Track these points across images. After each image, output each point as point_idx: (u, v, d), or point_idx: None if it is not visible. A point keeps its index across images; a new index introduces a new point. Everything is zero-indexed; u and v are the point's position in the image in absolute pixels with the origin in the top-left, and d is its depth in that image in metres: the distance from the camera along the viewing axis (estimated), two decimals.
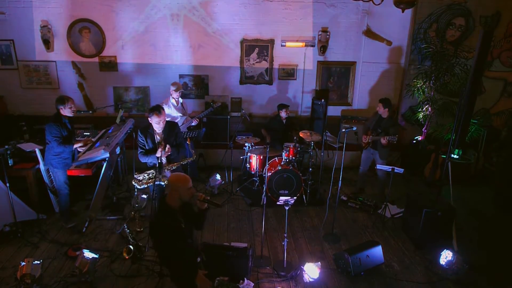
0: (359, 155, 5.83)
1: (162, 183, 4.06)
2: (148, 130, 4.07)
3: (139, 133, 4.08)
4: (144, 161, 4.10)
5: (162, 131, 4.08)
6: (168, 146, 4.00)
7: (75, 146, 4.46)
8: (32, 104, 6.58)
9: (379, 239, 4.52)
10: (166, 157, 4.10)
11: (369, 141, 5.29)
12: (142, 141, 4.07)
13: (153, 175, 4.02)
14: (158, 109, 3.95)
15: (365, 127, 5.59)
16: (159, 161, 4.02)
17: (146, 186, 4.04)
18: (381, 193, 5.57)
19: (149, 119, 3.99)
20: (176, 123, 4.32)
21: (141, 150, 4.09)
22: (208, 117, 6.42)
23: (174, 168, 4.12)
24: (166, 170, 4.07)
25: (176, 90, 5.51)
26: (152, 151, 4.05)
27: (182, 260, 2.86)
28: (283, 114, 6.15)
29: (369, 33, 6.68)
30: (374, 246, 3.96)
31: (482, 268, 4.06)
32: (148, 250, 4.17)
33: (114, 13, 6.32)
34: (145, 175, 4.10)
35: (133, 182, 4.06)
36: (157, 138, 4.07)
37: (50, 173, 4.63)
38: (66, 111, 4.30)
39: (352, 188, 6.02)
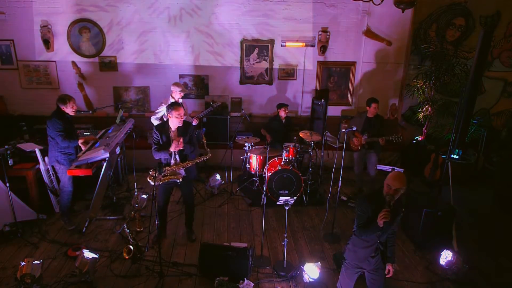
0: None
1: (177, 181, 4.06)
2: (163, 127, 4.08)
3: (154, 129, 4.09)
4: (157, 158, 4.10)
5: (178, 129, 4.08)
6: (180, 139, 4.00)
7: (79, 142, 4.46)
8: (32, 104, 6.58)
9: None
10: (180, 155, 4.10)
11: (363, 143, 5.26)
12: (157, 138, 4.07)
13: (168, 172, 4.02)
14: (177, 103, 4.04)
15: (350, 129, 5.47)
16: (172, 159, 4.05)
17: (160, 183, 4.03)
18: None
19: (168, 115, 4.01)
20: (190, 122, 4.33)
21: (155, 147, 4.09)
22: (208, 117, 6.42)
23: (189, 166, 4.13)
24: (181, 168, 4.08)
25: (182, 91, 5.50)
26: (165, 146, 4.05)
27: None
28: (282, 113, 6.15)
29: (369, 33, 6.68)
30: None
31: (482, 268, 4.06)
32: (148, 250, 4.17)
33: (114, 13, 6.31)
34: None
35: (148, 179, 4.05)
36: (172, 135, 4.08)
37: (56, 170, 4.57)
38: (68, 111, 4.32)
39: (352, 188, 6.02)
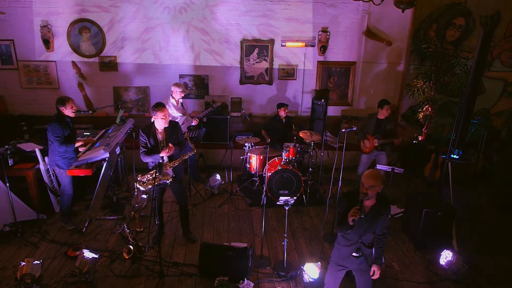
0: (359, 156, 5.81)
1: (167, 181, 4.05)
2: (150, 129, 4.03)
3: (141, 132, 4.03)
4: (146, 161, 4.07)
5: (164, 130, 4.06)
6: (170, 145, 3.99)
7: (76, 145, 4.46)
8: (32, 104, 6.58)
9: None
10: (168, 156, 4.10)
11: (376, 144, 5.23)
12: (144, 140, 4.02)
13: (156, 175, 4.01)
14: (162, 104, 4.00)
15: (361, 131, 5.41)
16: (162, 161, 4.03)
17: (150, 187, 4.01)
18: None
19: (153, 116, 3.97)
20: (177, 122, 4.33)
21: (144, 150, 4.04)
22: (208, 117, 6.41)
23: (176, 165, 4.12)
24: (168, 168, 4.07)
25: (182, 92, 5.49)
26: (155, 150, 4.02)
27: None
28: (282, 113, 6.15)
29: (369, 33, 6.68)
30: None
31: (482, 268, 4.06)
32: (148, 250, 4.17)
33: (114, 13, 6.31)
34: (149, 176, 4.09)
35: (137, 185, 4.04)
36: (159, 136, 4.05)
37: (56, 173, 4.58)
38: (68, 112, 4.31)
39: (351, 189, 6.01)
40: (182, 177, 4.31)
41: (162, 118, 3.93)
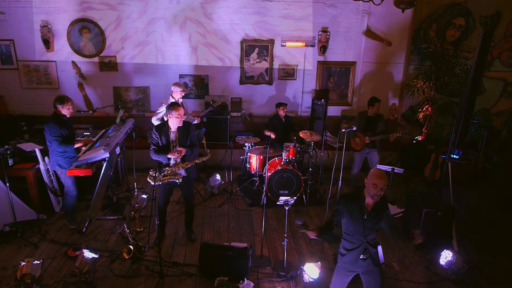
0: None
1: (177, 181, 4.06)
2: (163, 128, 4.07)
3: (154, 130, 4.08)
4: (154, 159, 4.10)
5: (178, 129, 4.08)
6: (179, 149, 4.01)
7: (75, 146, 4.46)
8: (32, 104, 6.58)
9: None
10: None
11: (367, 142, 5.26)
12: (156, 138, 4.07)
13: (168, 172, 4.02)
14: (177, 104, 4.06)
15: (350, 129, 5.46)
16: (172, 159, 4.05)
17: (159, 183, 4.02)
18: None
19: (168, 115, 4.00)
20: (191, 123, 4.33)
21: (154, 147, 4.08)
22: (208, 117, 6.42)
23: (188, 167, 4.13)
24: (180, 168, 4.08)
25: (182, 91, 5.49)
26: (164, 150, 4.04)
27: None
28: (281, 112, 6.16)
29: (369, 33, 6.68)
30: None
31: (482, 268, 4.06)
32: (148, 250, 4.17)
33: (114, 13, 6.31)
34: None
35: (148, 179, 4.05)
36: (172, 136, 4.07)
37: (59, 175, 4.55)
38: (64, 111, 4.30)
39: (350, 191, 6.01)
40: (194, 177, 4.36)
41: (177, 117, 3.96)
